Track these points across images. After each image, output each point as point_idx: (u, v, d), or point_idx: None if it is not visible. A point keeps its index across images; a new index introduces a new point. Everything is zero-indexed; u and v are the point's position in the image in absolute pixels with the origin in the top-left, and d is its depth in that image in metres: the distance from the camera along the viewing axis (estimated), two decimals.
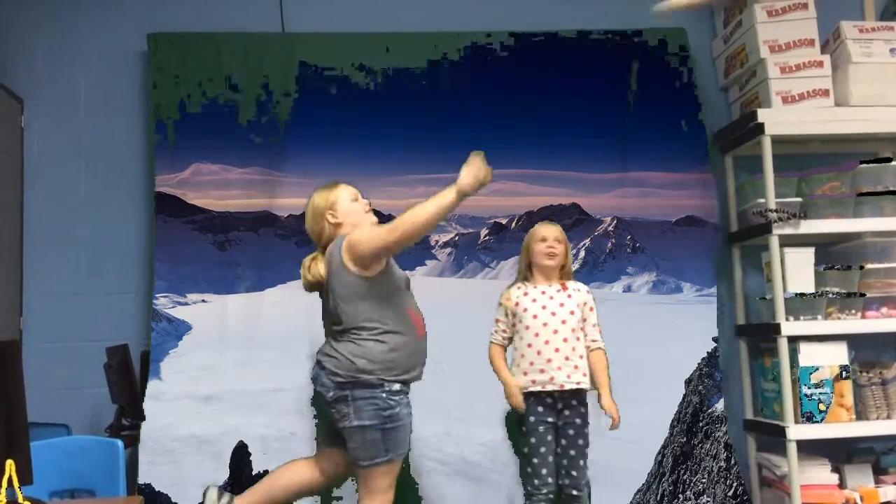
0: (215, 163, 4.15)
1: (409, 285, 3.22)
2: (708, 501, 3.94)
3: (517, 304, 3.48)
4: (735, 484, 3.98)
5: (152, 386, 3.85)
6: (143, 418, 3.77)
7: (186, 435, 3.81)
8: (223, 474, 3.79)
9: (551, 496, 3.38)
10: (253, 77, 4.20)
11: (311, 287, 3.19)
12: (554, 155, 4.31)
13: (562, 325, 3.43)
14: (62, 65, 4.27)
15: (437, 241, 4.38)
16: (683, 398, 4.10)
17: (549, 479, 3.36)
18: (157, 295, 4.01)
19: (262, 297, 4.08)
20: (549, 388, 3.38)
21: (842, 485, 3.93)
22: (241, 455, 3.81)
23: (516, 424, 3.52)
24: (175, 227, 4.09)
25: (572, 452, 3.39)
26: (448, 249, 4.40)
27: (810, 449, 3.91)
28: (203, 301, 4.06)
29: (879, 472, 4.02)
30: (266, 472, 3.77)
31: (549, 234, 3.53)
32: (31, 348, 3.98)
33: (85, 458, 3.03)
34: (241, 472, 3.78)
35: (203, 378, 3.89)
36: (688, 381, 4.13)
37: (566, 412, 3.41)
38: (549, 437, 3.39)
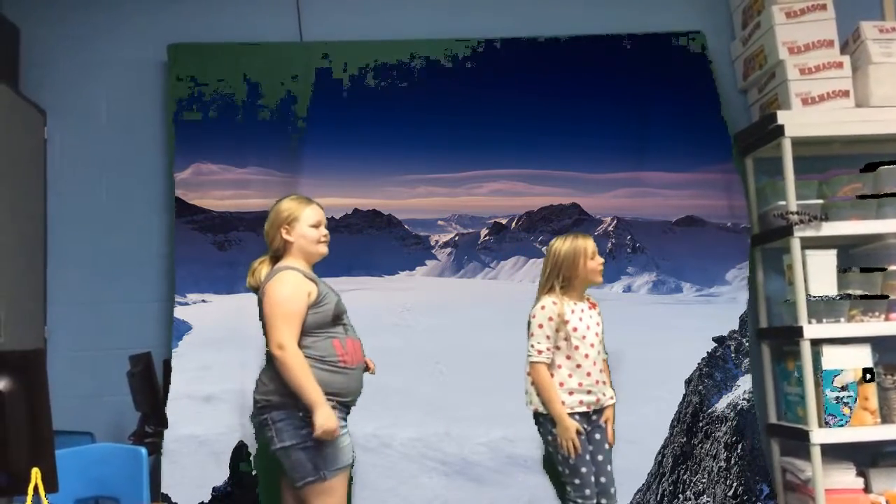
0: (215, 163, 4.17)
1: (342, 318, 3.14)
2: (708, 501, 3.92)
3: (567, 321, 3.36)
4: (735, 484, 3.95)
5: None
6: (166, 425, 3.79)
7: (186, 435, 3.81)
8: (223, 474, 3.80)
9: None
10: (272, 85, 4.24)
11: (254, 290, 3.20)
12: (554, 155, 4.31)
13: (600, 345, 3.44)
14: (84, 76, 4.33)
15: (437, 241, 4.39)
16: (683, 398, 4.08)
17: (592, 491, 3.33)
18: None
19: None
20: (594, 408, 3.39)
21: (867, 489, 3.88)
22: (241, 455, 3.81)
23: (548, 436, 3.41)
24: (175, 227, 4.12)
25: (600, 457, 3.38)
26: (448, 249, 4.40)
27: (835, 453, 3.87)
28: (203, 301, 4.08)
29: None
30: None
31: (596, 249, 3.45)
32: (56, 357, 4.03)
33: (109, 465, 3.05)
34: (241, 472, 3.79)
35: (203, 378, 3.90)
36: (688, 381, 4.10)
37: (594, 417, 3.42)
38: (587, 447, 3.37)
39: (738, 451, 3.96)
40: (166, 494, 3.73)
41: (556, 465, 3.41)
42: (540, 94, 4.33)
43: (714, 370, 4.12)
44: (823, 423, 3.82)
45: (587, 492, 3.30)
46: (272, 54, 4.28)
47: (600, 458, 3.38)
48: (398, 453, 3.89)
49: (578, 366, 3.34)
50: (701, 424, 4.03)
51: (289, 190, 4.10)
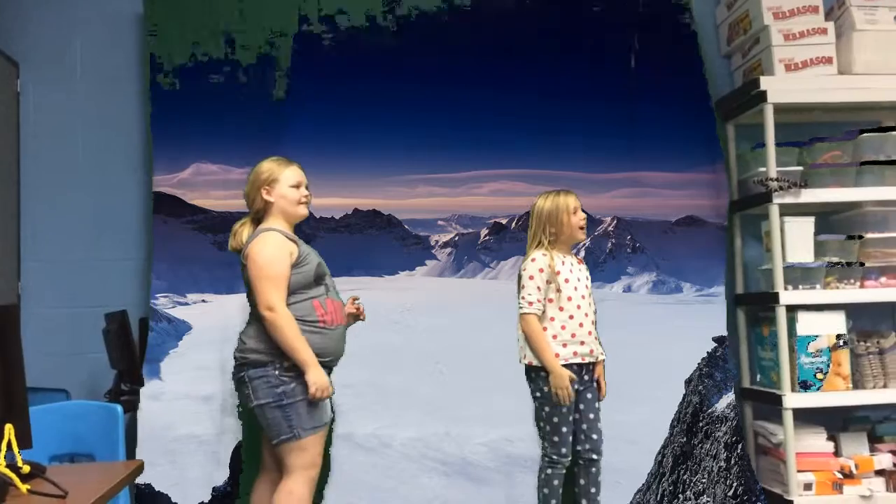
0: (215, 163, 4.13)
1: (324, 279, 3.16)
2: (708, 501, 3.95)
3: (559, 272, 3.40)
4: (735, 484, 3.99)
5: (153, 386, 3.85)
6: (141, 383, 3.78)
7: (186, 435, 3.81)
8: (223, 474, 3.79)
9: (584, 459, 3.44)
10: (251, 36, 4.15)
11: (236, 252, 3.22)
12: (554, 155, 4.29)
13: (590, 298, 3.48)
14: (58, 26, 4.22)
15: (437, 241, 4.38)
16: (683, 398, 4.09)
17: (570, 448, 3.41)
18: (157, 295, 4.00)
19: None
20: (588, 360, 3.42)
21: (837, 453, 3.95)
22: (241, 455, 3.80)
23: (537, 392, 3.44)
24: (175, 227, 4.08)
25: (591, 416, 3.44)
26: (448, 249, 4.40)
27: (806, 417, 3.93)
28: (203, 301, 4.06)
29: (874, 440, 4.03)
30: None
31: (578, 205, 3.48)
32: (30, 313, 3.98)
33: (84, 422, 3.04)
34: (241, 472, 3.77)
35: (203, 378, 3.89)
36: (688, 381, 4.11)
37: (586, 377, 3.45)
38: (573, 406, 3.40)
39: (738, 451, 3.99)
40: (167, 494, 3.72)
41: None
42: (540, 91, 4.28)
43: (714, 370, 4.13)
44: (796, 388, 3.87)
45: (563, 450, 3.36)
46: (251, 5, 4.18)
47: (591, 416, 3.44)
48: (398, 453, 3.89)
49: (571, 316, 3.38)
50: (701, 424, 4.05)
51: None
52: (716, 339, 4.18)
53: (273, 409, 2.99)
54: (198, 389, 3.88)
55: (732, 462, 4.02)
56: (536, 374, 3.40)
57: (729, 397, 4.10)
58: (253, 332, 3.07)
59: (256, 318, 3.09)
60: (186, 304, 4.05)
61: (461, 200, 4.34)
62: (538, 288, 3.38)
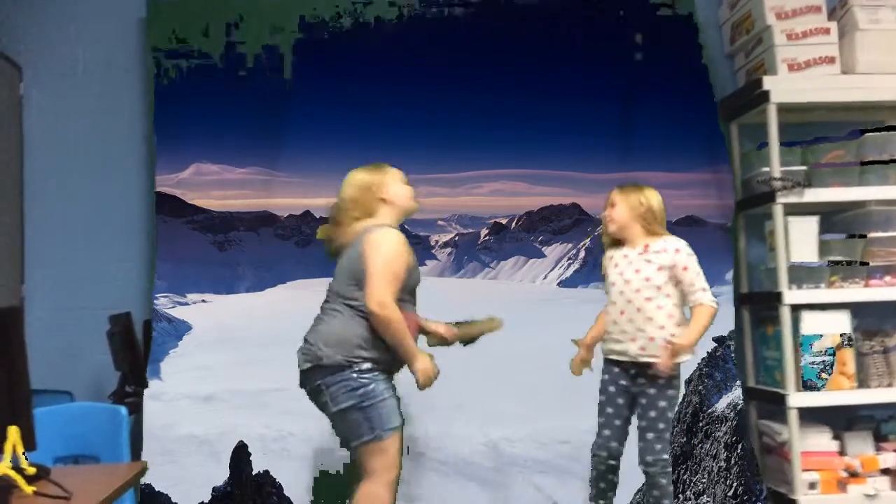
0: (215, 163, 4.15)
1: (415, 291, 3.18)
2: (708, 501, 3.95)
3: (605, 272, 3.41)
4: (735, 484, 3.99)
5: (153, 386, 3.86)
6: (146, 385, 3.78)
7: (186, 435, 3.82)
8: (223, 474, 3.81)
9: (612, 462, 3.31)
10: (253, 40, 4.17)
11: (335, 253, 3.18)
12: (554, 155, 4.29)
13: (635, 294, 3.24)
14: (61, 31, 4.24)
15: (437, 241, 4.40)
16: (683, 398, 4.06)
17: (612, 444, 3.30)
18: (158, 295, 4.01)
19: (262, 297, 4.13)
20: (623, 359, 3.30)
21: (842, 452, 3.94)
22: (241, 455, 3.83)
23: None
24: (175, 227, 4.10)
25: (643, 423, 3.28)
26: (448, 249, 4.41)
27: (811, 416, 3.92)
28: (203, 301, 4.09)
29: (879, 439, 4.03)
30: (266, 472, 3.80)
31: (612, 200, 3.40)
32: (34, 315, 3.99)
33: (88, 424, 3.04)
34: (241, 472, 3.80)
35: (203, 378, 3.92)
36: (688, 381, 4.10)
37: (640, 380, 3.29)
38: (621, 401, 3.31)
39: (738, 451, 3.99)
40: (167, 494, 3.73)
41: None
42: (540, 91, 4.28)
43: (714, 370, 4.13)
44: (801, 387, 3.86)
45: (598, 441, 3.33)
46: (253, 9, 4.19)
47: (643, 423, 3.26)
48: None
49: (608, 312, 3.37)
50: (701, 424, 4.05)
51: (286, 190, 4.14)
52: (716, 339, 4.17)
53: (355, 411, 2.96)
54: (198, 389, 3.90)
55: (732, 462, 4.01)
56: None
57: (729, 397, 4.09)
58: (326, 336, 3.02)
59: (333, 317, 3.03)
60: (186, 304, 4.06)
61: (461, 200, 4.35)
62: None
